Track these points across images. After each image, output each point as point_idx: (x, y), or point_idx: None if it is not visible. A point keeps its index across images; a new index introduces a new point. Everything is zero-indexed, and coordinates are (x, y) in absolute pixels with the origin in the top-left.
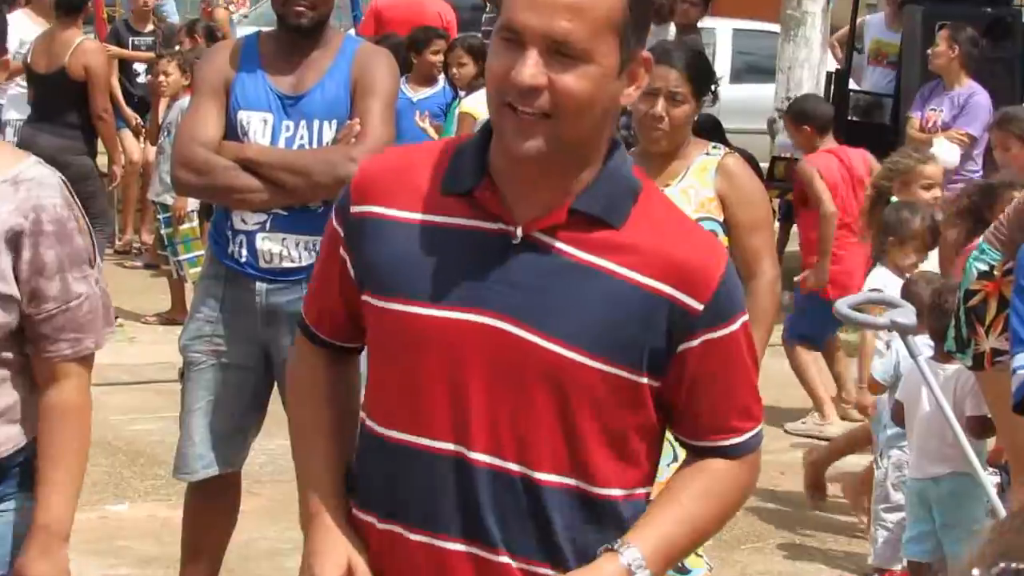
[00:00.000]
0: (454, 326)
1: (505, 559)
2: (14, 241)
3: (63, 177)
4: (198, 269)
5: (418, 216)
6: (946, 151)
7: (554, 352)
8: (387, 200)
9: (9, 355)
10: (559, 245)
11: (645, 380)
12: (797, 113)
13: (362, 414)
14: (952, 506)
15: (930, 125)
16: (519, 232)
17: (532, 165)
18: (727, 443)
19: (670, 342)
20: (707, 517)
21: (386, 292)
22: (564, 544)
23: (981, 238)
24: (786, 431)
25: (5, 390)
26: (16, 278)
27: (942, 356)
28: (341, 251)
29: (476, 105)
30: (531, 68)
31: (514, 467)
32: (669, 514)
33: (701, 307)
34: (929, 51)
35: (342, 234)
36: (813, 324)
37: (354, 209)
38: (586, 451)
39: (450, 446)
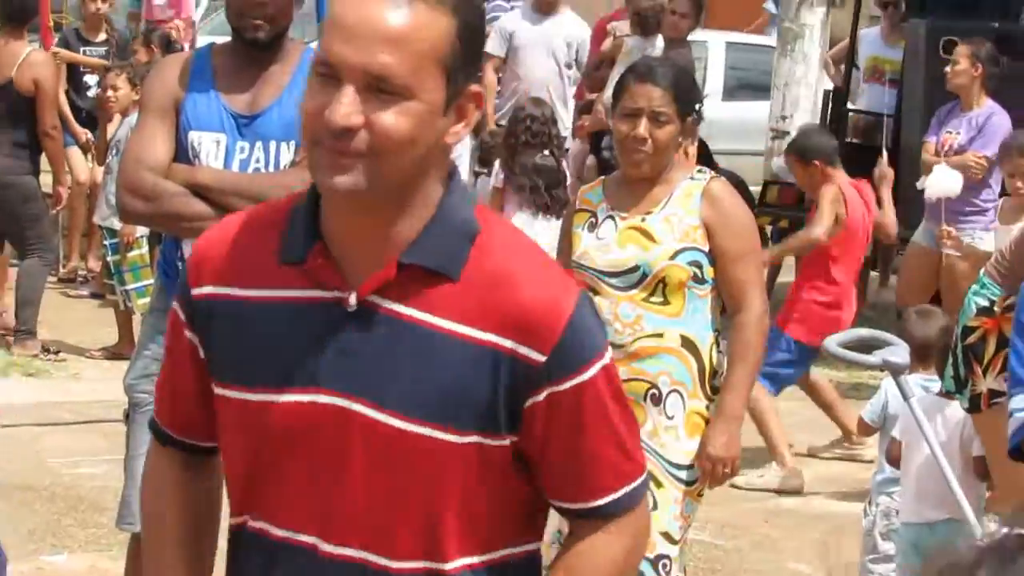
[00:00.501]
0: (295, 410)
1: None
2: None
3: None
4: (147, 300)
5: (256, 292)
6: (944, 179)
7: (397, 428)
8: (225, 278)
9: None
10: (394, 307)
11: (507, 442)
12: (802, 150)
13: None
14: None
15: (946, 148)
16: (352, 299)
17: (349, 206)
18: (591, 505)
19: (517, 399)
20: None
21: (227, 379)
22: None
23: (982, 271)
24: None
25: None
26: None
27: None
28: (187, 335)
29: None
30: (346, 107)
31: (370, 557)
32: None
33: (543, 359)
34: (947, 69)
35: (183, 318)
36: (777, 364)
37: (194, 291)
38: (444, 531)
39: (308, 538)
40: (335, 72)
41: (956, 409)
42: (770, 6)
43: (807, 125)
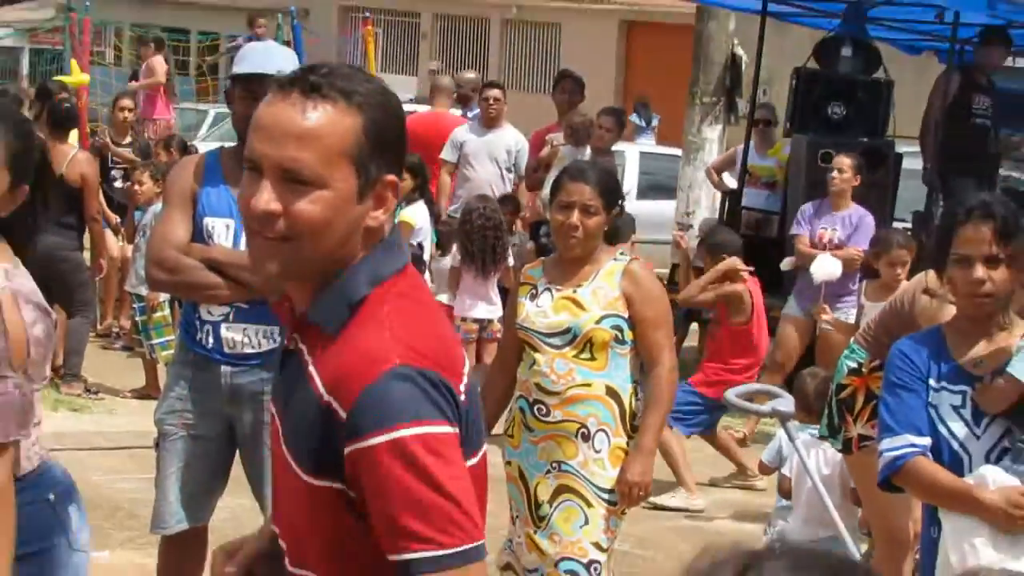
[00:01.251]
0: (272, 424)
1: None
2: None
3: (14, 287)
4: (169, 352)
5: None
6: (828, 266)
7: (284, 460)
8: None
9: None
10: (303, 349)
11: (342, 488)
12: (714, 246)
13: None
14: None
15: (824, 241)
16: (286, 340)
17: (279, 284)
18: (399, 558)
19: (337, 448)
20: None
21: None
22: None
23: (852, 339)
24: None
25: None
26: None
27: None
28: None
29: (413, 215)
30: (265, 195)
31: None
32: None
33: (345, 415)
34: (832, 175)
35: None
36: (688, 413)
37: None
38: (309, 551)
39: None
40: (257, 166)
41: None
42: (634, 118)
43: (714, 224)
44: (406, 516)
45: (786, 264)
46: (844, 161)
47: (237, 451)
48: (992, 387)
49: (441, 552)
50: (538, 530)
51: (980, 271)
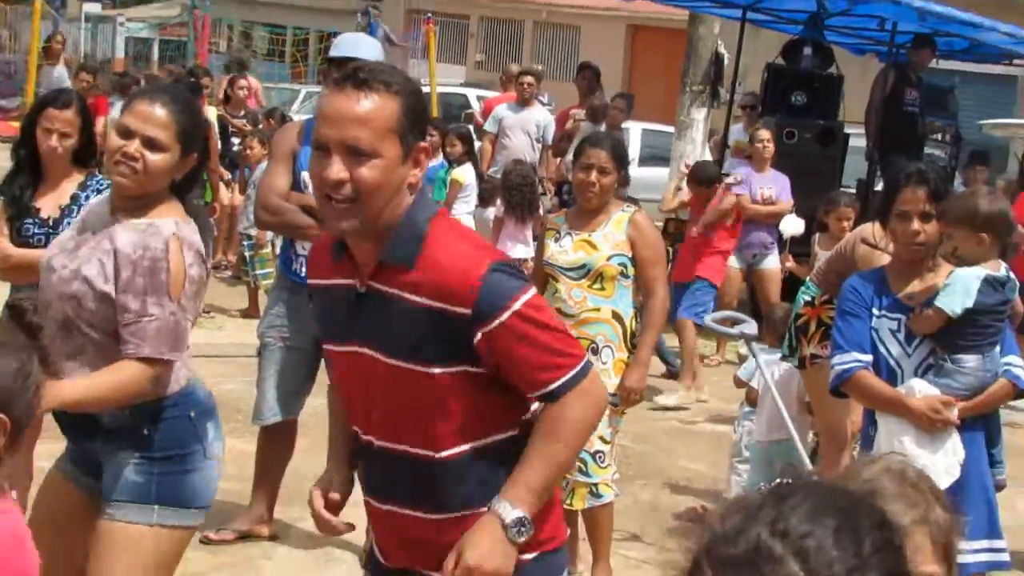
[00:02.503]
0: (340, 356)
1: (417, 513)
2: (122, 262)
3: (181, 235)
4: (269, 281)
5: (325, 281)
6: (795, 223)
7: (388, 363)
8: (315, 273)
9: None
10: (381, 288)
11: (466, 370)
12: (705, 178)
13: None
14: (791, 460)
15: (765, 199)
16: (359, 284)
17: (350, 238)
18: (544, 391)
19: (464, 338)
20: (559, 443)
21: (320, 334)
22: (448, 497)
23: (808, 278)
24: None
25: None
26: (115, 287)
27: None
28: (310, 307)
29: (463, 174)
30: (336, 167)
31: (390, 445)
32: (525, 462)
33: (468, 312)
34: (760, 144)
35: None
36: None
37: (308, 281)
38: (433, 429)
39: (369, 438)
40: (324, 146)
41: (787, 367)
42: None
43: (704, 161)
44: (542, 357)
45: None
46: (765, 134)
47: (322, 360)
48: (922, 316)
49: (573, 371)
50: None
51: (916, 224)
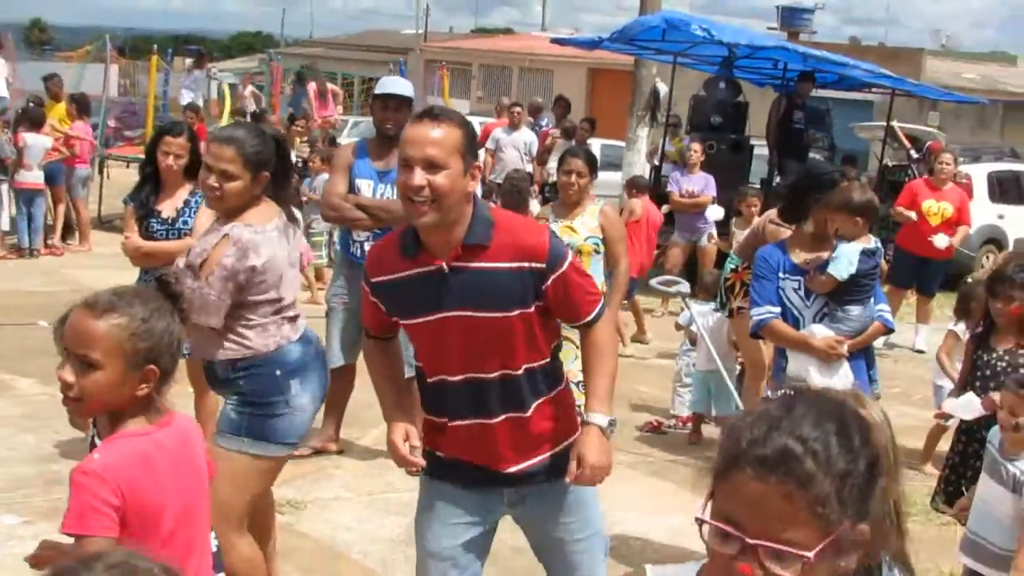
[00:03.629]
0: (428, 324)
1: (500, 418)
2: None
3: (233, 234)
4: (321, 262)
5: (400, 274)
6: (716, 211)
7: (479, 317)
8: (384, 270)
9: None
10: (463, 264)
11: (532, 309)
12: (640, 187)
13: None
14: (722, 384)
15: (688, 195)
16: (445, 266)
17: (431, 230)
18: (589, 318)
19: (539, 285)
20: (606, 359)
21: (406, 316)
22: (525, 398)
23: (732, 252)
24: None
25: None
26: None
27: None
28: (372, 298)
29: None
30: (417, 177)
31: (492, 375)
32: (593, 377)
33: (544, 264)
34: (690, 153)
35: (369, 291)
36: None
37: (369, 280)
38: (512, 354)
39: (460, 376)
40: (408, 163)
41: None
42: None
43: (637, 175)
44: (585, 296)
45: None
46: (696, 146)
47: None
48: (818, 280)
49: (600, 304)
50: None
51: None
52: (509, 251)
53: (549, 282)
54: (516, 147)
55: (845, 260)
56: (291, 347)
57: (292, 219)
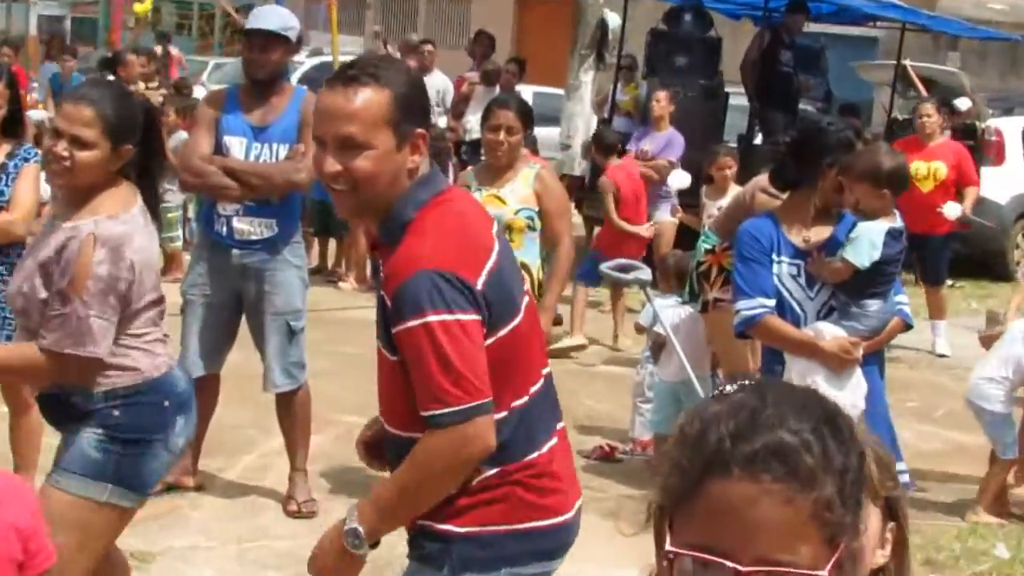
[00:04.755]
0: None
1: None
2: (49, 266)
3: (98, 233)
4: (176, 244)
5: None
6: (680, 177)
7: (379, 349)
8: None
9: None
10: (382, 265)
11: (398, 359)
12: (608, 145)
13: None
14: (694, 399)
15: (646, 156)
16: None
17: (355, 221)
18: (426, 415)
19: (391, 334)
20: (411, 479)
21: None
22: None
23: (705, 228)
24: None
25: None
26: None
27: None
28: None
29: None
30: (329, 161)
31: (390, 429)
32: (388, 479)
33: (390, 303)
34: (653, 103)
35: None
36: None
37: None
38: (395, 412)
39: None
40: (323, 141)
41: (688, 313)
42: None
43: (605, 128)
44: (430, 383)
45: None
46: (661, 94)
47: (242, 317)
48: (830, 266)
49: (454, 408)
50: None
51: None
52: (387, 267)
53: (392, 331)
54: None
55: (867, 243)
56: (177, 372)
57: (152, 205)
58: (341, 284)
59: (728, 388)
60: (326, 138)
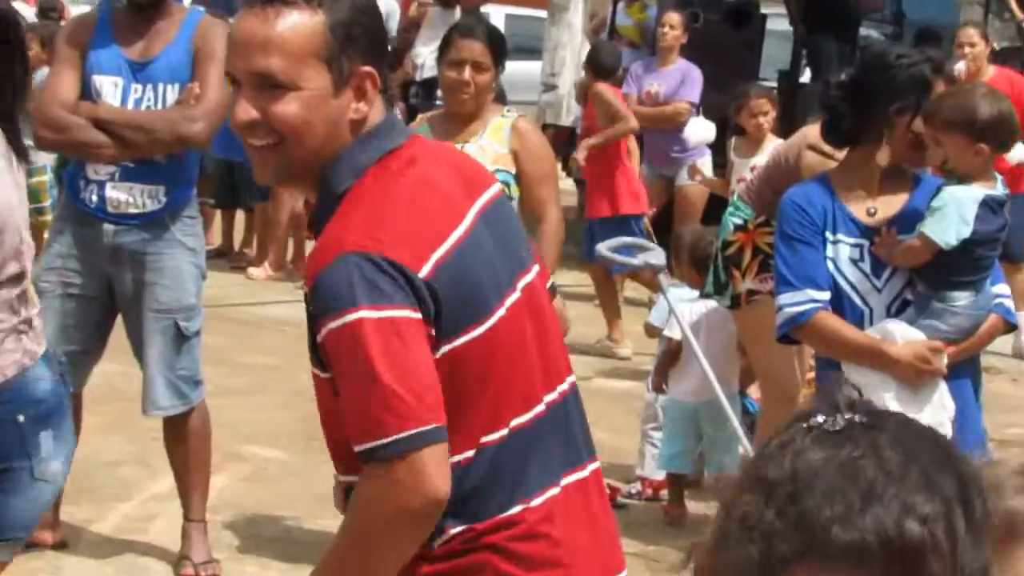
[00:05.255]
0: None
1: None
2: None
3: None
4: (46, 217)
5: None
6: (702, 129)
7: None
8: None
9: None
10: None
11: (328, 376)
12: (605, 69)
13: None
14: (719, 423)
15: (653, 96)
16: None
17: (280, 186)
18: (357, 450)
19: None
20: (348, 546)
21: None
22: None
23: (734, 196)
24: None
25: None
26: None
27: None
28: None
29: None
30: (242, 106)
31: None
32: (325, 551)
33: (311, 299)
34: (664, 30)
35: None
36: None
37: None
38: (334, 446)
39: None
40: (234, 79)
41: (711, 307)
42: None
43: (597, 44)
44: (359, 403)
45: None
46: (673, 17)
47: (117, 313)
48: (903, 246)
49: (387, 439)
50: None
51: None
52: (312, 255)
53: (319, 336)
54: None
55: (954, 214)
56: (38, 371)
57: (20, 151)
58: (251, 271)
59: (820, 420)
60: (240, 75)
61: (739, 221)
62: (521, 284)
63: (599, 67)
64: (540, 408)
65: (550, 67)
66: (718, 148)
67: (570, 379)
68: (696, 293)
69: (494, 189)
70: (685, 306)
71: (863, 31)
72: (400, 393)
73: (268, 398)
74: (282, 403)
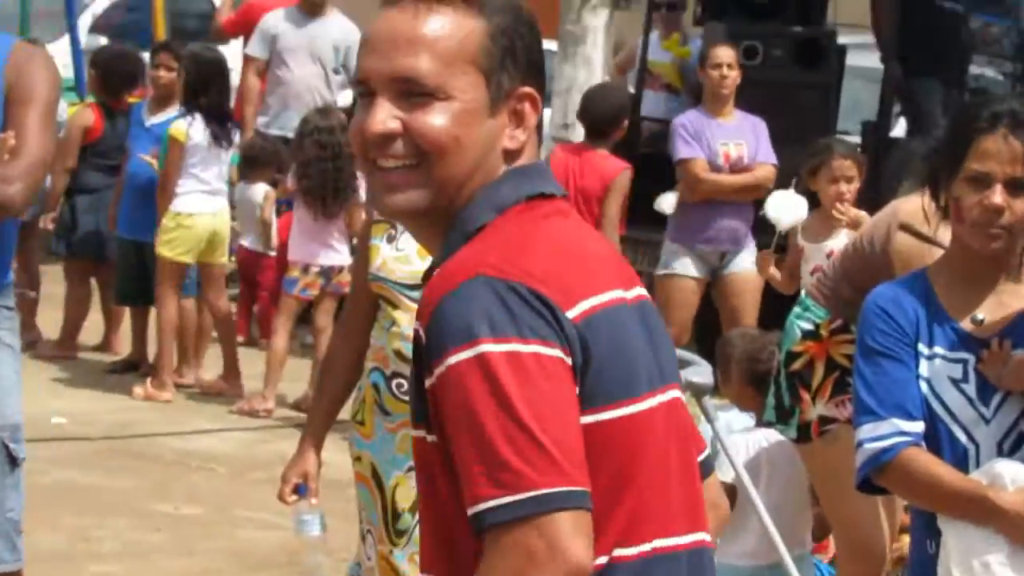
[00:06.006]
0: None
1: None
2: None
3: None
4: None
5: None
6: (793, 205)
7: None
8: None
9: None
10: None
11: (435, 439)
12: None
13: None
14: None
15: (731, 163)
16: None
17: (412, 224)
18: (473, 512)
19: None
20: None
21: None
22: None
23: (803, 292)
24: None
25: None
26: None
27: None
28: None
29: (182, 127)
30: (380, 114)
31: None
32: None
33: (424, 342)
34: (720, 72)
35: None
36: None
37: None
38: (425, 542)
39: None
40: (369, 89)
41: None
42: None
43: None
44: (475, 455)
45: (667, 204)
46: (727, 54)
47: None
48: (1015, 361)
49: (510, 499)
50: (395, 549)
51: (999, 196)
52: (426, 295)
53: (427, 382)
54: (317, 55)
55: None
56: None
57: None
58: (136, 390)
59: None
60: (377, 80)
61: (809, 326)
62: (670, 395)
63: (597, 127)
64: (683, 541)
65: (563, 116)
66: (764, 226)
67: (707, 537)
68: (752, 421)
69: (644, 291)
70: (739, 438)
71: (974, 69)
72: (543, 442)
73: (193, 561)
74: (212, 569)
